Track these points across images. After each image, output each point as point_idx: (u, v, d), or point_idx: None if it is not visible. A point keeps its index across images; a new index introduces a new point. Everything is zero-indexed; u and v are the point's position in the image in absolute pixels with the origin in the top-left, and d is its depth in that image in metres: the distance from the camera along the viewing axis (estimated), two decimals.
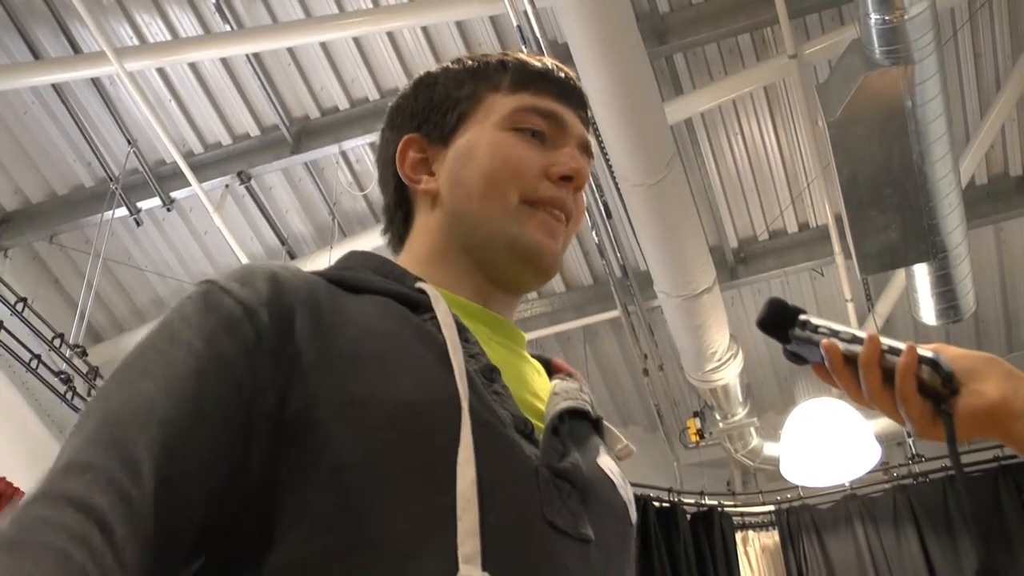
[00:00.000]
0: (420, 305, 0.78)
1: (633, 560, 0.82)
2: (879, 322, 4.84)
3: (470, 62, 0.93)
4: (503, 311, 0.88)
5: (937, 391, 0.75)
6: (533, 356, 0.91)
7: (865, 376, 0.77)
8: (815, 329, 0.79)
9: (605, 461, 0.80)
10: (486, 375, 0.75)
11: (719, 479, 5.69)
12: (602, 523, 0.74)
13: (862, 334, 0.78)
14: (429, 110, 0.92)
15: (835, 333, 0.79)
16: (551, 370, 0.91)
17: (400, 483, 0.65)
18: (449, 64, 0.94)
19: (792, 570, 4.94)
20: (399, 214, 0.93)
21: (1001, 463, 4.59)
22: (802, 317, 0.80)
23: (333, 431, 0.66)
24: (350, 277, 0.79)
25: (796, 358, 0.82)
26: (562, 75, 0.92)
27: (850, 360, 0.78)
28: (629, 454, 0.83)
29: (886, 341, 0.77)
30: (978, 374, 0.75)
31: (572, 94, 0.92)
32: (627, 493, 0.82)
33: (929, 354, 0.76)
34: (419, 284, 0.81)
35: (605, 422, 0.87)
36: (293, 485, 0.65)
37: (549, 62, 0.92)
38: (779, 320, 0.81)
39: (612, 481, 0.79)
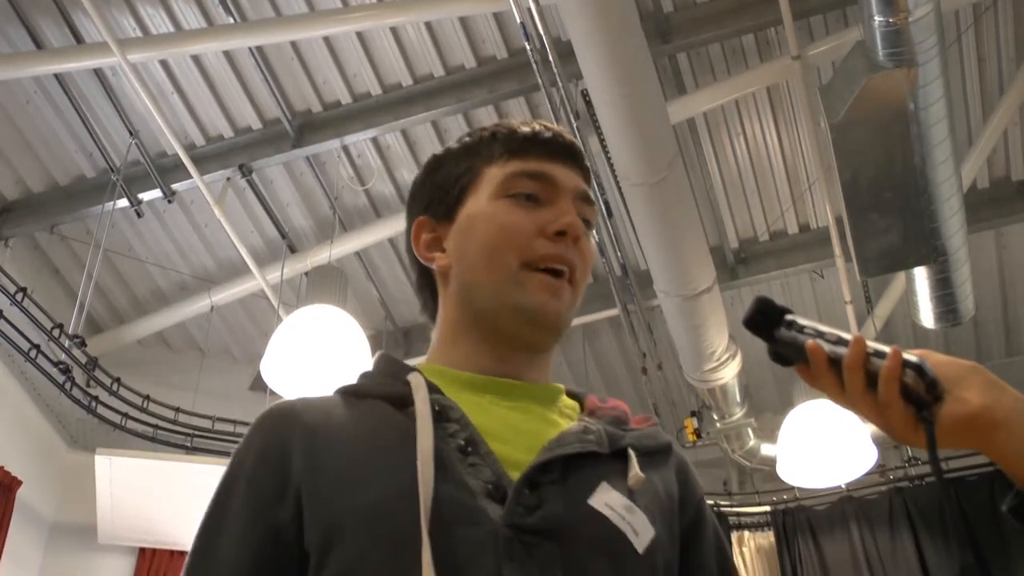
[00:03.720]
0: (407, 399, 0.85)
1: None
2: (878, 325, 4.84)
3: (467, 139, 0.99)
4: (525, 371, 0.93)
5: (920, 397, 0.74)
6: (574, 394, 0.96)
7: (849, 379, 0.76)
8: (801, 329, 0.78)
9: (604, 497, 0.81)
10: (463, 450, 0.81)
11: (715, 479, 5.69)
12: (586, 563, 0.77)
13: (848, 336, 0.77)
14: (434, 192, 0.98)
15: (821, 334, 0.78)
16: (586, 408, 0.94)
17: None
18: (451, 145, 1.01)
19: (787, 571, 4.96)
20: (425, 293, 1.01)
21: (996, 466, 4.60)
22: (788, 317, 0.79)
23: (330, 550, 0.77)
24: (359, 387, 0.91)
25: (781, 359, 0.80)
26: (549, 134, 0.96)
27: (834, 362, 0.77)
28: (638, 482, 0.83)
29: (872, 344, 0.76)
30: (962, 382, 0.74)
31: (562, 151, 0.96)
32: (633, 523, 0.81)
33: (914, 359, 0.74)
34: (409, 375, 0.88)
35: (631, 451, 0.86)
36: None
37: (538, 125, 0.97)
38: (765, 319, 0.80)
39: (605, 517, 0.79)
